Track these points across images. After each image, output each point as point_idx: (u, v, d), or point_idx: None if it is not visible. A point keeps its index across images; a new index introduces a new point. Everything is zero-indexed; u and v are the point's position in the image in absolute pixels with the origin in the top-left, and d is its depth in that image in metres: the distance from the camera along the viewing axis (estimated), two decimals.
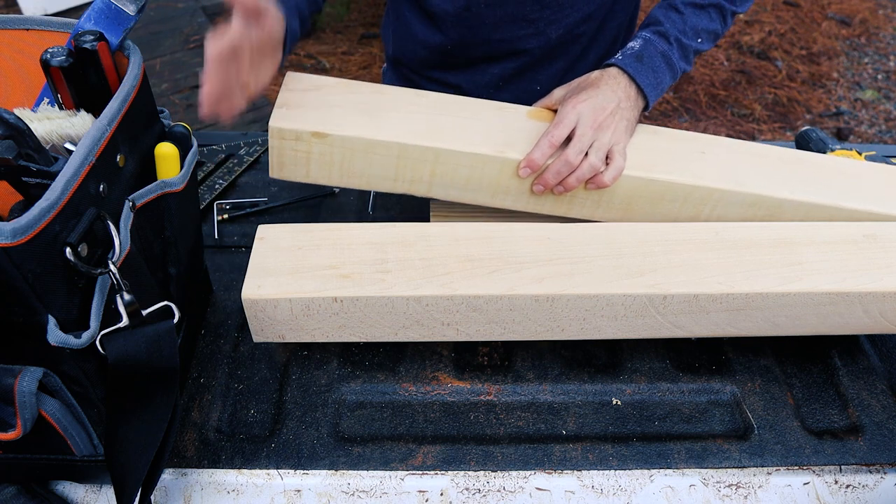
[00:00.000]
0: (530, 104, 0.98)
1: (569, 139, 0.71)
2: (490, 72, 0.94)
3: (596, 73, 0.77)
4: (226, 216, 0.89)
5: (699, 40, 0.80)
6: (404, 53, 1.01)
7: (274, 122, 0.68)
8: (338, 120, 0.70)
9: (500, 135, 0.73)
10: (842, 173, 0.79)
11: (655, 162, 0.74)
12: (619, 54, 0.78)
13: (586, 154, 0.71)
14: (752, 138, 2.67)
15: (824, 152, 0.95)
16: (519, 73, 0.95)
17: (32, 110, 0.56)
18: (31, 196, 0.47)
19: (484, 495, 0.62)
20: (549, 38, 0.89)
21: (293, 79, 0.75)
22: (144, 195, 0.56)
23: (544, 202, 0.75)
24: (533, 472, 0.64)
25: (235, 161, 0.97)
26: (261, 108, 2.65)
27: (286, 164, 0.71)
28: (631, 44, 0.79)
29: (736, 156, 0.78)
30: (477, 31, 0.88)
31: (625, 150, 0.73)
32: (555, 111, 0.77)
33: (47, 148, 0.49)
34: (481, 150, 0.71)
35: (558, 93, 0.79)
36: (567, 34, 0.90)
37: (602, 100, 0.73)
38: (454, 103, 0.77)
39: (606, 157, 0.72)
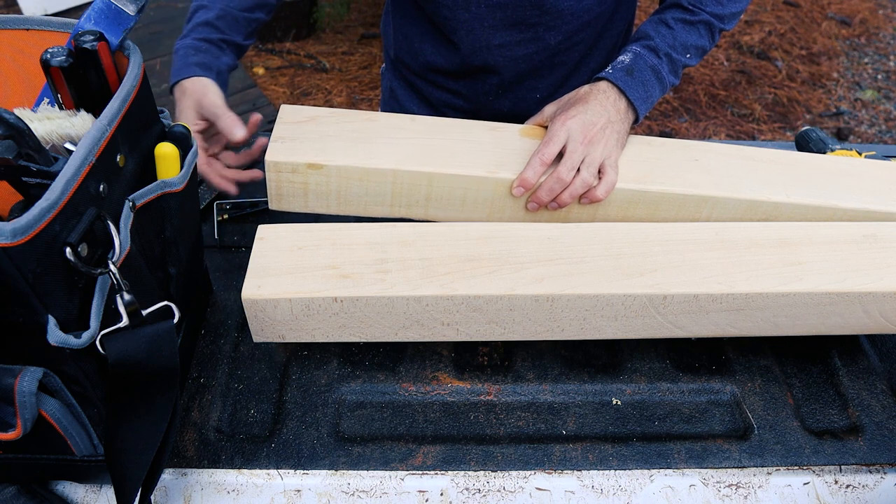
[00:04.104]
0: (530, 112, 0.98)
1: (561, 156, 0.72)
2: (490, 81, 0.94)
3: (585, 87, 0.77)
4: (226, 216, 0.89)
5: (688, 55, 0.81)
6: (406, 56, 1.01)
7: (270, 157, 0.69)
8: (332, 150, 0.71)
9: (493, 155, 0.73)
10: (838, 173, 0.79)
11: (649, 173, 0.74)
12: (608, 68, 0.78)
13: (578, 170, 0.71)
14: (753, 138, 2.67)
15: (824, 152, 0.95)
16: (518, 81, 0.95)
17: (32, 110, 0.56)
18: (31, 196, 0.47)
19: (484, 495, 0.62)
20: (548, 44, 0.89)
21: (288, 111, 0.76)
22: (144, 195, 0.56)
23: (541, 218, 0.75)
24: (533, 472, 0.64)
25: None
26: (260, 108, 2.65)
27: (284, 196, 0.73)
28: (621, 57, 0.79)
29: (730, 161, 0.78)
30: (477, 34, 0.88)
31: (617, 164, 0.73)
32: (546, 128, 0.77)
33: (47, 148, 0.49)
34: (474, 172, 0.71)
35: (549, 109, 0.79)
36: (566, 41, 0.90)
37: (592, 115, 0.73)
38: (446, 126, 0.77)
39: (599, 172, 0.72)
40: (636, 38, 0.82)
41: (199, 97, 0.76)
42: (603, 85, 0.76)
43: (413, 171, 0.70)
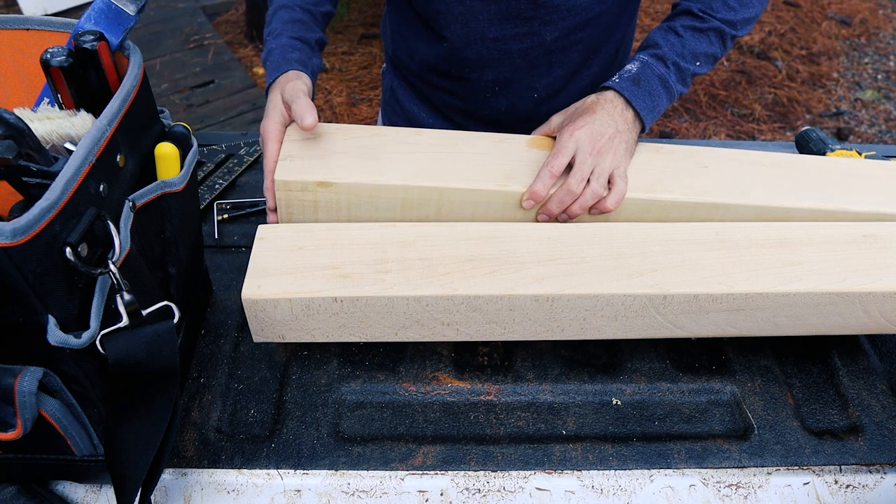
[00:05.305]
0: (529, 112, 0.97)
1: (570, 167, 0.71)
2: (485, 76, 0.94)
3: (592, 97, 0.77)
4: (226, 216, 0.89)
5: (697, 63, 0.80)
6: (403, 56, 1.01)
7: (279, 176, 0.69)
8: (341, 167, 0.71)
9: (502, 168, 0.73)
10: (845, 175, 0.79)
11: (657, 181, 0.74)
12: (615, 77, 0.78)
13: (588, 181, 0.71)
14: (753, 138, 2.67)
15: (824, 152, 0.95)
16: (515, 78, 0.94)
17: (32, 110, 0.56)
18: (31, 196, 0.47)
19: (484, 495, 0.62)
20: (543, 39, 0.89)
21: (295, 129, 0.76)
22: (144, 195, 0.56)
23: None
24: (533, 472, 0.64)
25: (235, 161, 0.97)
26: (260, 109, 2.65)
27: (294, 214, 0.72)
28: (628, 66, 0.79)
29: (737, 167, 0.78)
30: (471, 27, 0.88)
31: (626, 174, 0.73)
32: (554, 138, 0.77)
33: (47, 148, 0.49)
34: (484, 186, 0.71)
35: (556, 120, 0.79)
36: (563, 38, 0.90)
37: (600, 125, 0.73)
38: (453, 139, 0.77)
39: (608, 182, 0.72)
40: (644, 47, 0.81)
41: (285, 84, 0.74)
42: (609, 95, 0.76)
43: (423, 187, 0.70)
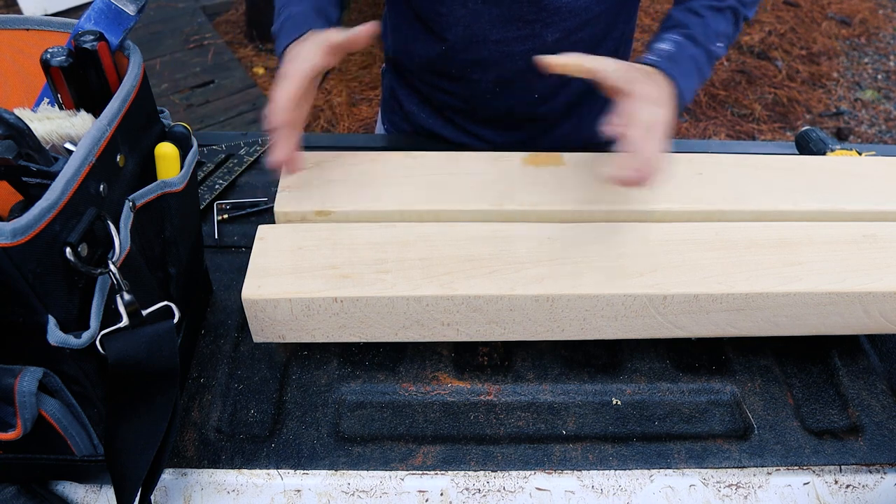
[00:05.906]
0: (527, 111, 0.97)
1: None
2: (486, 77, 0.94)
3: (646, 74, 0.69)
4: (226, 216, 0.89)
5: (719, 44, 0.78)
6: (403, 57, 1.01)
7: (278, 207, 0.70)
8: (339, 195, 0.72)
9: (497, 186, 0.74)
10: (843, 174, 0.79)
11: (653, 192, 0.74)
12: (653, 55, 0.72)
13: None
14: (753, 138, 2.67)
15: (824, 153, 0.95)
16: (516, 79, 0.94)
17: (32, 110, 0.56)
18: (31, 196, 0.47)
19: (484, 495, 0.62)
20: (545, 41, 0.89)
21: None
22: (144, 195, 0.56)
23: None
24: (533, 472, 0.64)
25: (235, 161, 0.97)
26: (260, 109, 2.65)
27: None
28: (661, 45, 0.73)
29: (734, 171, 0.78)
30: (473, 30, 0.88)
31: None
32: (548, 154, 0.77)
33: (47, 148, 0.49)
34: (480, 206, 0.71)
35: (612, 75, 0.68)
36: (564, 40, 0.90)
37: (665, 112, 0.66)
38: (448, 160, 0.78)
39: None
40: (671, 26, 0.77)
41: (326, 35, 0.70)
42: (659, 75, 0.70)
43: (419, 211, 0.71)
